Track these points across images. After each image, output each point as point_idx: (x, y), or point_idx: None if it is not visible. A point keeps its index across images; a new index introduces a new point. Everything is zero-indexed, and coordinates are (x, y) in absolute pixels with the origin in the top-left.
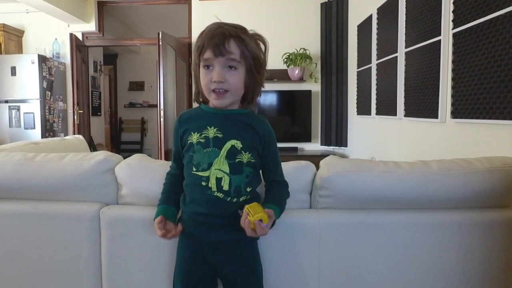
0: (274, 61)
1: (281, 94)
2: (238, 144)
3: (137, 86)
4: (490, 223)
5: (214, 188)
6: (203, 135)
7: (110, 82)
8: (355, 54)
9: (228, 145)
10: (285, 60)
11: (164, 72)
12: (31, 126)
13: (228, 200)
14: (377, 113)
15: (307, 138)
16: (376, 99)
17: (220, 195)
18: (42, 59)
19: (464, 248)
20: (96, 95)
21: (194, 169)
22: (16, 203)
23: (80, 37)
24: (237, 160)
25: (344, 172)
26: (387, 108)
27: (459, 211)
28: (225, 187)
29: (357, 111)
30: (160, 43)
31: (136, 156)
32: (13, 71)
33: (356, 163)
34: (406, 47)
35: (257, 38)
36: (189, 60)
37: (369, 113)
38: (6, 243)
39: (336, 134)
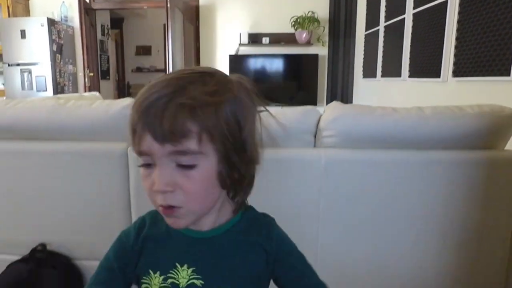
0: (281, 25)
1: (287, 58)
2: None
3: (144, 50)
4: (476, 162)
5: None
6: (168, 278)
7: (116, 47)
8: (364, 17)
9: None
10: (293, 23)
11: (173, 36)
12: (43, 89)
13: None
14: (382, 75)
15: (313, 102)
16: (382, 61)
17: None
18: (51, 22)
19: (451, 184)
20: (105, 59)
21: None
22: (53, 144)
23: (87, 0)
24: None
25: (346, 114)
26: (392, 70)
27: (449, 151)
28: None
29: (363, 74)
30: (168, 5)
31: None
32: (23, 34)
33: (357, 107)
34: (414, 8)
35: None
36: (196, 23)
37: (374, 75)
38: (46, 179)
39: (341, 98)
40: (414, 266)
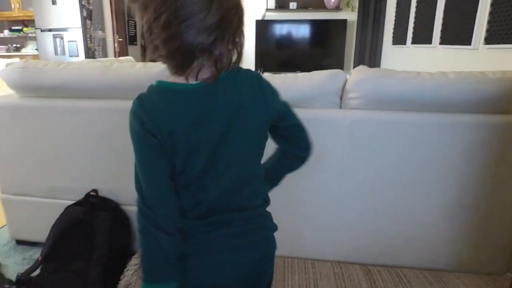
0: None
1: (314, 24)
2: None
3: None
4: (493, 126)
5: None
6: None
7: None
8: None
9: None
10: None
11: None
12: (75, 54)
13: None
14: (412, 42)
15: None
16: (414, 27)
17: None
18: None
19: (468, 145)
20: (132, 25)
21: None
22: (102, 102)
23: None
24: None
25: (371, 77)
26: (423, 36)
27: (469, 115)
28: None
29: (392, 41)
30: None
31: None
32: (54, 0)
33: (382, 71)
34: None
35: None
36: None
37: (404, 42)
38: (96, 134)
39: (369, 65)
40: (428, 221)
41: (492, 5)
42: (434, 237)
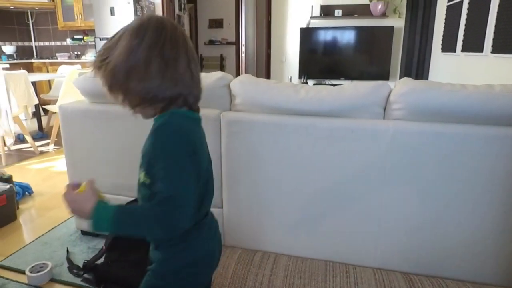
0: None
1: (360, 30)
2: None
3: (216, 23)
4: None
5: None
6: None
7: (190, 20)
8: None
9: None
10: None
11: (246, 10)
12: None
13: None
14: (462, 50)
15: (385, 77)
16: (464, 35)
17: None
18: (136, 0)
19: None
20: None
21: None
22: None
23: None
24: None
25: (415, 89)
26: (473, 44)
27: None
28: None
29: (442, 48)
30: None
31: (244, 75)
32: (112, 11)
33: (427, 83)
34: None
35: None
36: None
37: (454, 50)
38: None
39: (416, 73)
40: (474, 233)
41: None
42: (481, 249)
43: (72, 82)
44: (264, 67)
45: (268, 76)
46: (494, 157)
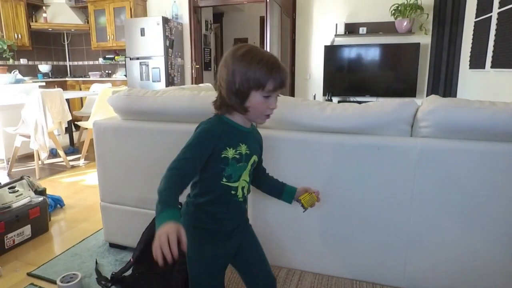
0: (380, 14)
1: (385, 47)
2: (256, 158)
3: (241, 42)
4: None
5: (240, 195)
6: (237, 151)
7: (216, 39)
8: (474, 3)
9: (252, 160)
10: (393, 11)
11: (271, 29)
12: (158, 79)
13: (242, 201)
14: (492, 66)
15: (412, 93)
16: (493, 51)
17: (241, 199)
18: (165, 21)
19: None
20: (207, 52)
21: (224, 180)
22: (189, 125)
23: None
24: (253, 171)
25: (443, 106)
26: (504, 60)
27: None
28: (245, 193)
29: (469, 65)
30: (268, 0)
31: None
32: (142, 32)
33: (454, 100)
34: None
35: None
36: (293, 16)
37: (483, 66)
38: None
39: (444, 90)
40: (503, 254)
41: None
42: (509, 270)
43: (105, 99)
44: (288, 84)
45: (292, 93)
46: None
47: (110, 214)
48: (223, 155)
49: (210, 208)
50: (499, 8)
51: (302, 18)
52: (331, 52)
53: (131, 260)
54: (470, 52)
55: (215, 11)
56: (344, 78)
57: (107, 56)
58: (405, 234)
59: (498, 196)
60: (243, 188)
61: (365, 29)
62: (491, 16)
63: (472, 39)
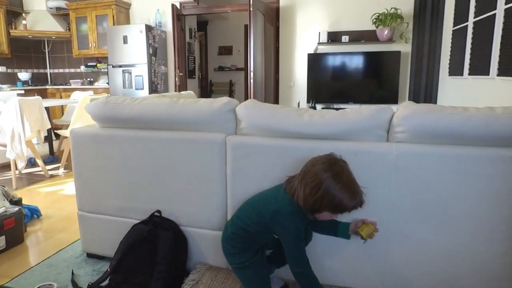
0: (361, 22)
1: (367, 55)
2: None
3: (226, 50)
4: None
5: None
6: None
7: (201, 47)
8: (452, 12)
9: None
10: (374, 20)
11: (254, 37)
12: (141, 87)
13: None
14: (469, 73)
15: (394, 100)
16: (470, 58)
17: None
18: (148, 28)
19: None
20: (191, 60)
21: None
22: (169, 133)
23: (178, 6)
24: None
25: (417, 112)
26: (480, 67)
27: None
28: None
29: (449, 72)
30: (251, 8)
31: (250, 100)
32: (125, 39)
33: (428, 106)
34: (506, 3)
35: None
36: (276, 24)
37: (461, 73)
38: (162, 160)
39: (425, 96)
40: (480, 256)
41: None
42: (487, 272)
43: (83, 107)
44: (272, 92)
45: (276, 101)
46: (497, 178)
47: (87, 223)
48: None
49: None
50: (474, 17)
51: (285, 27)
52: (314, 60)
53: (108, 270)
54: (449, 60)
55: (200, 19)
56: (328, 85)
57: (89, 64)
58: (384, 237)
59: (474, 199)
60: None
61: (347, 37)
62: (467, 25)
63: (451, 47)
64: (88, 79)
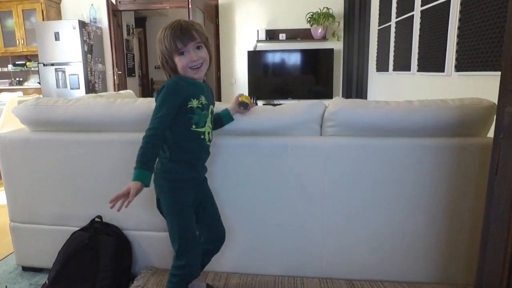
0: (297, 21)
1: (304, 53)
2: (212, 107)
3: None
4: (455, 147)
5: (207, 139)
6: (199, 101)
7: (140, 44)
8: (377, 13)
9: (210, 108)
10: (309, 19)
11: None
12: (76, 86)
13: (209, 145)
14: (394, 69)
15: (329, 96)
16: (394, 56)
17: (208, 143)
18: (82, 25)
19: (434, 166)
20: (130, 57)
21: (193, 127)
22: (105, 134)
23: (114, 2)
24: (213, 118)
25: (345, 107)
26: (402, 64)
27: (432, 138)
28: (211, 137)
29: (376, 68)
30: (190, 6)
31: None
32: (57, 36)
33: (355, 101)
34: (421, 6)
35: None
36: (216, 22)
37: (387, 69)
38: (99, 164)
39: (356, 91)
40: (406, 237)
41: (458, 36)
42: (412, 251)
43: (11, 110)
44: (214, 89)
45: (219, 98)
46: (418, 165)
47: (21, 235)
48: (189, 106)
49: (185, 156)
50: (396, 18)
51: (225, 24)
52: (254, 57)
53: (47, 282)
54: (376, 57)
55: (137, 15)
56: (268, 81)
57: (17, 62)
58: (319, 228)
59: (399, 185)
60: (208, 133)
61: (284, 35)
62: (390, 25)
63: (377, 45)
64: (17, 79)
